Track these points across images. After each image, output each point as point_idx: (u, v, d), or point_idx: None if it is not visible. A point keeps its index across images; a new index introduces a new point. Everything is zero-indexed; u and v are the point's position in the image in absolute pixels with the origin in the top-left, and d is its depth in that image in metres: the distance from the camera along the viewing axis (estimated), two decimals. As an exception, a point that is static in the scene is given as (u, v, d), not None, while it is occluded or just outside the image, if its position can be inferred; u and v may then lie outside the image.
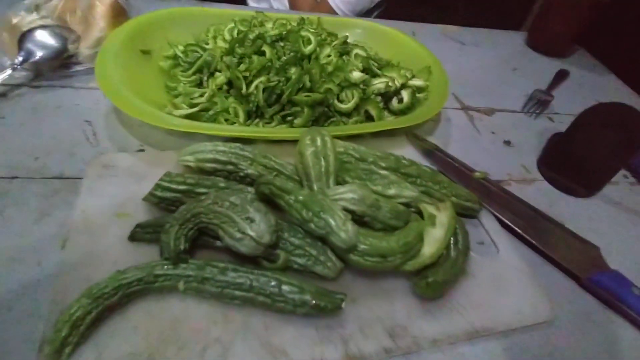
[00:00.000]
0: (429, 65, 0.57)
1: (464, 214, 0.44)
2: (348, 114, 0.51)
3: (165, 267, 0.33)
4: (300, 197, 0.36)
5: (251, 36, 0.52)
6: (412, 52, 0.61)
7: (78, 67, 0.53)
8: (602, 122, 0.49)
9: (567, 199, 0.51)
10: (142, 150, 0.46)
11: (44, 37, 0.51)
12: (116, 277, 0.31)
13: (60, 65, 0.52)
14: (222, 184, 0.39)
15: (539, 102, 0.66)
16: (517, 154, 0.57)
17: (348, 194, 0.36)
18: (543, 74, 0.76)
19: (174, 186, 0.38)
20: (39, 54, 0.49)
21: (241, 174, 0.40)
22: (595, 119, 0.50)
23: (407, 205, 0.41)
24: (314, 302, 0.32)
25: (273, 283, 0.33)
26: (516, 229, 0.44)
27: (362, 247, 0.34)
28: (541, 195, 0.51)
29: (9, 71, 0.47)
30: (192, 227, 0.34)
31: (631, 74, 0.79)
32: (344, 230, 0.33)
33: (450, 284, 0.37)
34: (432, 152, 0.52)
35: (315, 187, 0.38)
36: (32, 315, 0.31)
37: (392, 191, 0.40)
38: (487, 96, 0.68)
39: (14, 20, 0.48)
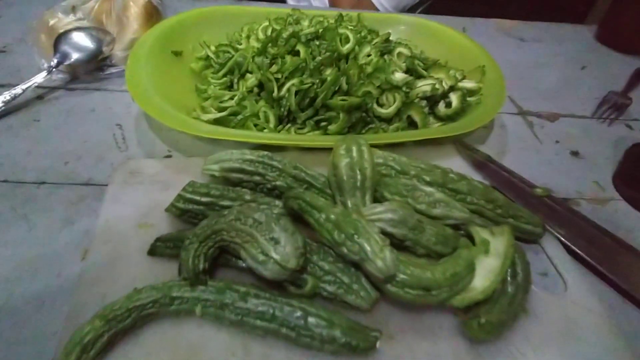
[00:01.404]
0: (482, 64, 0.50)
1: (523, 238, 0.38)
2: (388, 120, 0.46)
3: (183, 288, 0.30)
4: (332, 216, 0.32)
5: (285, 35, 0.48)
6: (462, 50, 0.54)
7: (112, 70, 0.53)
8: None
9: (651, 224, 0.43)
10: (170, 156, 0.45)
11: (80, 39, 0.51)
12: (131, 297, 0.29)
13: (96, 67, 0.52)
14: (248, 197, 0.36)
15: (614, 107, 0.57)
16: (588, 168, 0.49)
17: (387, 214, 0.32)
18: (617, 73, 0.66)
19: (197, 198, 0.35)
20: (74, 56, 0.49)
21: (269, 185, 0.37)
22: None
23: (455, 227, 0.35)
24: (344, 339, 0.28)
25: (298, 314, 0.29)
26: (588, 259, 0.37)
27: (401, 277, 0.30)
28: (618, 217, 0.43)
29: (44, 73, 0.47)
30: (213, 245, 0.31)
31: None
32: (380, 258, 0.29)
33: (506, 325, 0.31)
34: (484, 164, 0.46)
35: (349, 204, 0.34)
36: (45, 333, 0.29)
37: (438, 211, 0.34)
38: (550, 99, 0.59)
39: (51, 22, 0.48)
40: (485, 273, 0.32)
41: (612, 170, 0.49)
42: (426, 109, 0.47)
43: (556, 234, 0.39)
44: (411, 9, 0.91)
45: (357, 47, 0.48)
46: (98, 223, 0.36)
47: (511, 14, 0.90)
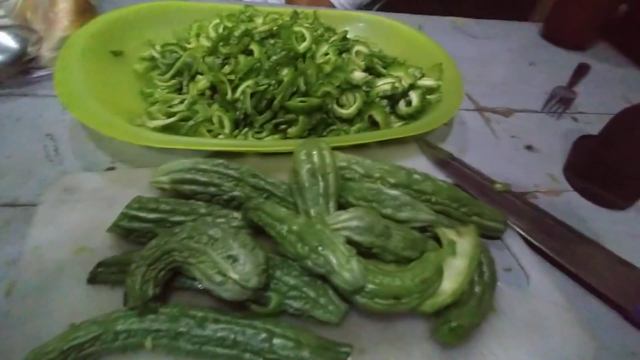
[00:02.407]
0: (440, 62, 0.50)
1: (487, 235, 0.38)
2: (350, 120, 0.45)
3: (130, 320, 0.26)
4: (295, 227, 0.30)
5: (237, 33, 0.45)
6: (420, 48, 0.54)
7: (41, 72, 0.47)
8: (642, 124, 0.42)
9: (601, 212, 0.45)
10: (113, 169, 0.40)
11: (1, 38, 0.44)
12: (66, 336, 0.25)
13: (21, 70, 0.46)
14: (203, 210, 0.33)
15: (561, 101, 0.59)
16: (542, 161, 0.50)
17: (352, 221, 0.30)
18: (562, 68, 0.69)
19: (144, 215, 0.32)
20: (-6, 58, 0.43)
21: (225, 197, 0.34)
22: (634, 122, 0.43)
23: (422, 230, 0.34)
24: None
25: (263, 336, 0.27)
26: (547, 251, 0.38)
27: (370, 287, 0.28)
28: (572, 208, 0.45)
29: (-43, 79, 0.41)
30: (164, 267, 0.28)
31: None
32: (347, 270, 0.27)
33: (476, 326, 0.31)
34: (447, 162, 0.46)
35: (312, 213, 0.32)
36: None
37: (404, 214, 0.33)
38: (503, 95, 0.61)
39: (-36, 21, 0.42)
40: (453, 275, 0.31)
41: (563, 162, 0.51)
42: (387, 108, 0.46)
43: (517, 228, 0.40)
44: (368, 6, 0.90)
45: (314, 46, 0.46)
46: (26, 250, 0.31)
47: (464, 10, 0.92)
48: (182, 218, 0.32)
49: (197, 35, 0.52)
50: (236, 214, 0.34)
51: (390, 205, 0.33)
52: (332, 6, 0.82)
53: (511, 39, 0.77)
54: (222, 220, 0.33)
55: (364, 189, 0.35)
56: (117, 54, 0.46)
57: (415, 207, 0.34)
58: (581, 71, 0.69)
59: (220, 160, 0.36)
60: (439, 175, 0.44)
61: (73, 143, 0.42)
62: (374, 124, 0.46)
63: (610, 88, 0.68)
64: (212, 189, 0.34)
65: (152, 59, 0.49)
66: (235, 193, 0.34)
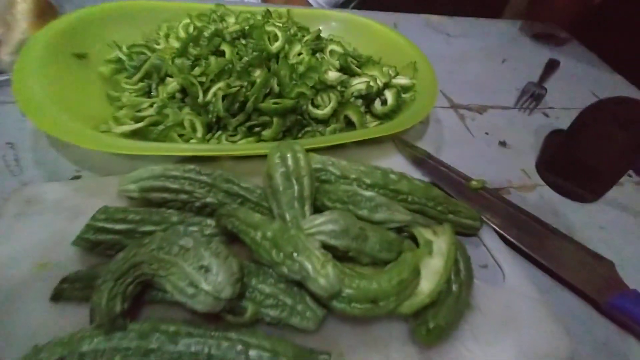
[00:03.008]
0: (414, 60, 0.50)
1: (463, 232, 0.39)
2: (325, 121, 0.44)
3: (96, 339, 0.25)
4: (269, 233, 0.29)
5: (207, 33, 0.44)
6: (395, 47, 0.54)
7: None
8: (608, 120, 0.44)
9: (571, 205, 0.46)
10: (79, 177, 0.38)
11: (-49, 42, 0.42)
12: (29, 359, 0.24)
13: (-24, 75, 0.43)
14: (175, 218, 0.32)
15: (532, 97, 0.61)
16: (515, 157, 0.51)
17: (327, 225, 0.30)
18: (533, 64, 0.71)
19: (111, 226, 0.30)
20: (-56, 63, 0.40)
21: (198, 204, 0.33)
22: (600, 116, 0.45)
23: (398, 230, 0.34)
24: (290, 369, 0.26)
25: (239, 348, 0.26)
26: (523, 247, 0.39)
27: (347, 291, 0.28)
28: (544, 202, 0.46)
29: None
30: (132, 281, 0.27)
31: (626, 64, 0.75)
32: (323, 275, 0.27)
33: (454, 325, 0.31)
34: (423, 161, 0.46)
35: (287, 217, 0.32)
36: None
37: (380, 215, 0.33)
38: (477, 92, 0.62)
39: None
40: (430, 275, 0.31)
41: (535, 157, 0.52)
42: (362, 108, 0.46)
43: (492, 225, 0.40)
44: (343, 5, 0.90)
45: (287, 46, 0.45)
46: (-17, 268, 0.29)
47: (438, 7, 0.93)
48: (152, 228, 0.31)
49: (167, 36, 0.51)
50: (210, 221, 0.33)
51: (366, 207, 0.33)
52: (308, 4, 0.81)
53: (485, 36, 0.79)
54: (194, 228, 0.32)
55: (339, 190, 0.34)
56: (80, 56, 0.44)
57: (391, 207, 0.34)
58: (551, 67, 0.70)
59: (192, 166, 0.34)
60: (416, 174, 0.45)
61: (35, 152, 0.40)
62: (349, 124, 0.46)
63: (579, 84, 0.70)
64: (183, 197, 0.33)
65: (118, 61, 0.47)
66: (208, 200, 0.33)
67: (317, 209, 0.34)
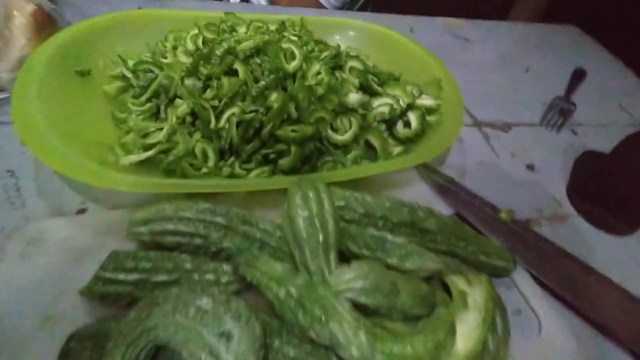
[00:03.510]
0: (438, 78, 0.47)
1: (493, 274, 0.36)
2: (344, 146, 0.41)
3: (108, 412, 0.23)
4: (294, 290, 0.27)
5: (219, 51, 0.41)
6: (417, 61, 0.51)
7: (-3, 96, 0.41)
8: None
9: (607, 238, 0.43)
10: (84, 211, 0.36)
11: (-55, 59, 0.39)
12: None
13: (-28, 95, 0.40)
14: (188, 265, 0.30)
15: (560, 113, 0.57)
16: (544, 182, 0.48)
17: (357, 281, 0.27)
18: (558, 73, 0.67)
19: (122, 277, 0.28)
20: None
21: (213, 248, 0.31)
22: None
23: (429, 276, 0.32)
24: None
25: (261, 421, 0.24)
26: (559, 291, 0.36)
27: (379, 357, 0.25)
28: (578, 235, 0.43)
29: None
30: (145, 345, 0.25)
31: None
32: (355, 345, 0.24)
33: (490, 387, 0.29)
34: (447, 189, 0.43)
35: (311, 267, 0.29)
36: None
37: (411, 264, 0.31)
38: (500, 106, 0.59)
39: None
40: (466, 332, 0.29)
41: (566, 181, 0.49)
42: (384, 131, 0.43)
43: (525, 264, 0.38)
44: (353, 3, 0.86)
45: (304, 65, 0.42)
46: (-17, 323, 0.27)
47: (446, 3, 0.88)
48: (164, 278, 0.29)
49: (174, 48, 0.48)
50: (226, 267, 0.31)
51: (396, 255, 0.31)
52: (319, 4, 0.77)
53: (506, 41, 0.75)
54: (210, 276, 0.30)
55: (366, 235, 0.32)
56: (83, 74, 0.41)
57: (422, 255, 0.31)
58: (578, 77, 0.67)
59: (206, 205, 0.32)
60: (441, 204, 0.42)
61: (37, 180, 0.37)
62: (370, 147, 0.43)
63: (606, 96, 0.66)
64: (198, 241, 0.31)
65: (123, 77, 0.44)
66: (225, 245, 0.31)
67: (342, 254, 0.32)
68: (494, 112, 0.57)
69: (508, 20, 1.02)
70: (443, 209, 0.42)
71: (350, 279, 0.27)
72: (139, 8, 0.62)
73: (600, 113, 0.61)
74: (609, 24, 0.91)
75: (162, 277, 0.29)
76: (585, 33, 0.82)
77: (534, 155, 0.51)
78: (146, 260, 0.29)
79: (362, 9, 0.86)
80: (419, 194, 0.43)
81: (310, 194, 0.31)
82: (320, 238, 0.30)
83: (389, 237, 0.32)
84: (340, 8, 0.78)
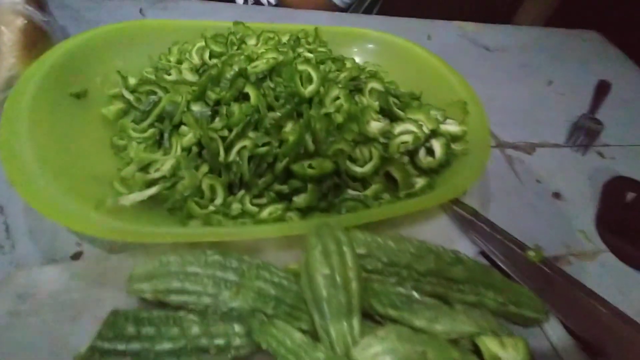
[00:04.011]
0: (463, 100, 0.44)
1: (523, 324, 0.34)
2: (363, 178, 0.38)
3: None
4: (316, 368, 0.24)
5: (229, 74, 0.37)
6: (439, 79, 0.47)
7: (-16, 119, 0.37)
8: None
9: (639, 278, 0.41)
10: (80, 255, 0.33)
11: None
12: None
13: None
14: (196, 329, 0.27)
15: (586, 133, 0.54)
16: (572, 212, 0.45)
17: (385, 357, 0.25)
18: (580, 85, 0.64)
19: (121, 347, 0.25)
20: None
21: (223, 308, 0.28)
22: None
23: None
24: None
25: None
26: (593, 343, 0.34)
27: None
28: (609, 274, 0.41)
29: None
30: None
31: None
32: None
33: None
34: (472, 223, 0.40)
35: (333, 334, 0.26)
36: None
37: (441, 327, 0.28)
38: (523, 125, 0.55)
39: None
40: (500, 404, 0.26)
41: (594, 211, 0.46)
42: (407, 162, 0.40)
43: (555, 312, 0.35)
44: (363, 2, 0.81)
45: (322, 89, 0.38)
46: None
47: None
48: (169, 346, 0.26)
49: (179, 62, 0.44)
50: (237, 328, 0.28)
51: (425, 317, 0.28)
52: (331, 4, 0.72)
53: (527, 50, 0.71)
54: (220, 341, 0.27)
55: (391, 294, 0.29)
56: (79, 95, 0.38)
57: (453, 317, 0.28)
58: (602, 91, 0.63)
59: (216, 257, 0.29)
60: (464, 240, 0.39)
61: (28, 217, 0.34)
62: (389, 178, 0.40)
63: (632, 111, 0.63)
64: (206, 300, 0.28)
65: (123, 96, 0.40)
66: (236, 304, 0.28)
67: (364, 311, 0.29)
68: (517, 131, 0.54)
69: (513, 23, 0.97)
70: (467, 246, 0.39)
71: (377, 354, 0.25)
72: (140, 11, 0.58)
73: (626, 130, 0.58)
74: (624, 27, 0.87)
75: (166, 346, 0.26)
76: (608, 40, 0.78)
77: (560, 181, 0.48)
78: (149, 324, 0.26)
79: (370, 6, 0.81)
80: (440, 228, 0.40)
81: (331, 246, 0.28)
82: (343, 300, 0.27)
83: (416, 295, 0.29)
84: (350, 5, 0.73)
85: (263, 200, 0.36)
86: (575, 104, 0.60)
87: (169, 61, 0.44)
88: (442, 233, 0.40)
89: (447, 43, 0.68)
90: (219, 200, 0.34)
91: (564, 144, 0.54)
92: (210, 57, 0.44)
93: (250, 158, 0.34)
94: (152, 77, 0.41)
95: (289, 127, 0.35)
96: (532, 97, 0.61)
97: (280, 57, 0.39)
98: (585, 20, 0.84)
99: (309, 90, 0.38)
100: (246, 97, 0.38)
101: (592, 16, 0.94)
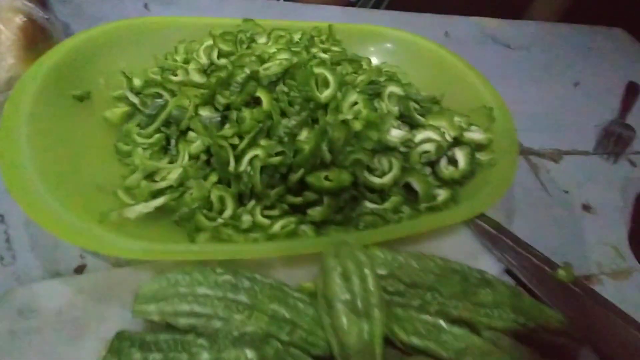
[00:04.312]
0: (489, 106, 0.41)
1: (555, 353, 0.31)
2: (381, 189, 0.36)
3: None
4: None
5: (240, 78, 0.34)
6: (463, 82, 0.44)
7: (-17, 122, 0.36)
8: None
9: (675, 299, 0.38)
10: (83, 268, 0.31)
11: None
12: None
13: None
14: (205, 356, 0.25)
15: (616, 140, 0.51)
16: (602, 226, 0.43)
17: (412, 395, 0.22)
18: (609, 87, 0.60)
19: (126, 375, 0.23)
20: None
21: (235, 333, 0.26)
22: None
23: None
24: None
25: None
26: (627, 372, 0.31)
27: None
28: (642, 294, 0.38)
29: None
30: None
31: None
32: None
33: None
34: (496, 238, 0.38)
35: (354, 367, 0.24)
36: None
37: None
38: (549, 130, 0.52)
39: None
40: None
41: (627, 226, 0.43)
42: (428, 173, 0.37)
43: (590, 339, 0.33)
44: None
45: (339, 94, 0.36)
46: None
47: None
48: (178, 374, 0.24)
49: (185, 62, 0.42)
50: (250, 354, 0.26)
51: (453, 349, 0.26)
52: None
53: (551, 48, 0.67)
54: (231, 370, 0.25)
55: (416, 321, 0.27)
56: (82, 98, 0.36)
57: (484, 349, 0.26)
58: (632, 93, 0.60)
59: (227, 277, 0.27)
60: (488, 257, 0.37)
61: (29, 227, 0.32)
62: (408, 189, 0.37)
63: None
64: (216, 324, 0.26)
65: (127, 98, 0.38)
66: (249, 329, 0.26)
67: (385, 337, 0.27)
68: (543, 137, 0.51)
69: (526, 18, 0.92)
70: (491, 263, 0.37)
71: (404, 393, 0.22)
72: (145, 6, 0.56)
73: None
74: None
75: (174, 373, 0.24)
76: (635, 38, 0.74)
77: (589, 192, 0.46)
78: (156, 349, 0.25)
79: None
80: (462, 243, 0.37)
81: (351, 268, 0.26)
82: (365, 331, 0.25)
83: (444, 325, 0.27)
84: None
85: (275, 212, 0.34)
86: (603, 108, 0.57)
87: (175, 60, 0.42)
88: (464, 248, 0.37)
89: (465, 40, 0.65)
90: (228, 212, 0.32)
91: (593, 152, 0.51)
92: (219, 56, 0.42)
93: (262, 169, 0.32)
94: (158, 77, 0.39)
95: (303, 135, 0.33)
96: (558, 99, 0.58)
97: (295, 59, 0.37)
98: (602, 15, 0.80)
99: (325, 95, 0.35)
100: (257, 101, 0.36)
101: (609, 11, 0.90)
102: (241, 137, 0.33)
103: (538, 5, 1.00)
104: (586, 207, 0.44)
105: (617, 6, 1.04)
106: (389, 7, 0.75)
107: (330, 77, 0.36)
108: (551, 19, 0.88)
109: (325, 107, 0.36)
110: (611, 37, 0.75)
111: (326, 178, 0.32)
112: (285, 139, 0.32)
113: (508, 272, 0.37)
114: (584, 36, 0.73)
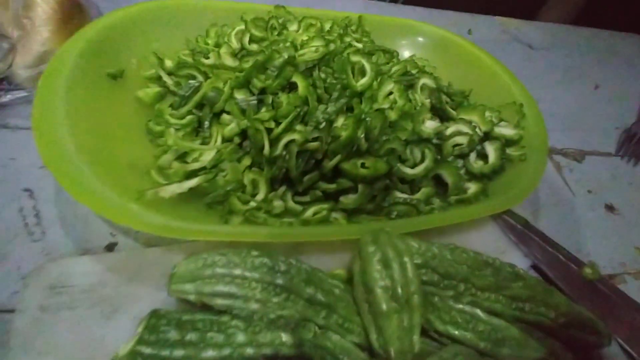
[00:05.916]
0: (519, 102, 0.41)
1: (583, 350, 0.31)
2: (411, 180, 0.35)
3: None
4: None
5: (277, 62, 0.34)
6: (492, 78, 0.44)
7: (13, 94, 0.35)
8: None
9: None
10: (114, 245, 0.31)
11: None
12: None
13: (-15, 94, 0.34)
14: (241, 338, 0.25)
15: (638, 142, 0.51)
16: (626, 227, 0.43)
17: (454, 382, 0.22)
18: (629, 91, 0.60)
19: (165, 353, 0.23)
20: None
21: (271, 315, 0.26)
22: None
23: None
24: None
25: None
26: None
27: None
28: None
29: None
30: None
31: None
32: None
33: None
34: (524, 235, 0.38)
35: (392, 354, 0.24)
36: None
37: (508, 351, 0.26)
38: (570, 131, 0.52)
39: None
40: None
41: (650, 228, 0.43)
42: (460, 167, 0.37)
43: (617, 338, 0.33)
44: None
45: (375, 83, 0.36)
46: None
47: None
48: (214, 354, 0.24)
49: (217, 46, 0.41)
50: (285, 337, 0.26)
51: (491, 339, 0.26)
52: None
53: (572, 50, 0.67)
54: (267, 350, 0.25)
55: (453, 310, 0.27)
56: (115, 76, 0.35)
57: (521, 341, 0.26)
58: (652, 98, 0.60)
59: (264, 260, 0.27)
60: (516, 253, 0.37)
61: (59, 204, 0.32)
62: (437, 181, 0.37)
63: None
64: (253, 306, 0.25)
65: (159, 78, 0.38)
66: (285, 312, 0.25)
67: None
68: (565, 138, 0.51)
69: (539, 19, 0.91)
70: (518, 259, 0.37)
71: (446, 380, 0.22)
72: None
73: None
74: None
75: (210, 353, 0.24)
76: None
77: (613, 193, 0.46)
78: (192, 329, 0.24)
79: None
80: (490, 238, 0.37)
81: (390, 255, 0.26)
82: (405, 317, 0.25)
83: (481, 314, 0.26)
84: None
85: (305, 198, 0.34)
86: (623, 110, 0.57)
87: (207, 44, 0.41)
88: (492, 243, 0.37)
89: (488, 39, 0.65)
90: (260, 196, 0.32)
91: (615, 154, 0.51)
92: (250, 41, 0.42)
93: (298, 154, 0.32)
94: (190, 60, 0.38)
95: (340, 122, 0.33)
96: (579, 101, 0.58)
97: (332, 46, 0.36)
98: (613, 19, 0.80)
99: (361, 83, 0.35)
100: (292, 86, 0.35)
101: (621, 15, 0.89)
102: (276, 121, 0.33)
103: (552, 5, 1.00)
104: (610, 208, 0.44)
105: (630, 10, 1.03)
106: (406, 2, 0.74)
107: (367, 66, 0.36)
108: (567, 21, 0.88)
109: (360, 95, 0.36)
110: (630, 42, 0.75)
111: (362, 166, 0.32)
112: (322, 125, 0.32)
113: (534, 267, 0.37)
114: (603, 40, 0.73)
